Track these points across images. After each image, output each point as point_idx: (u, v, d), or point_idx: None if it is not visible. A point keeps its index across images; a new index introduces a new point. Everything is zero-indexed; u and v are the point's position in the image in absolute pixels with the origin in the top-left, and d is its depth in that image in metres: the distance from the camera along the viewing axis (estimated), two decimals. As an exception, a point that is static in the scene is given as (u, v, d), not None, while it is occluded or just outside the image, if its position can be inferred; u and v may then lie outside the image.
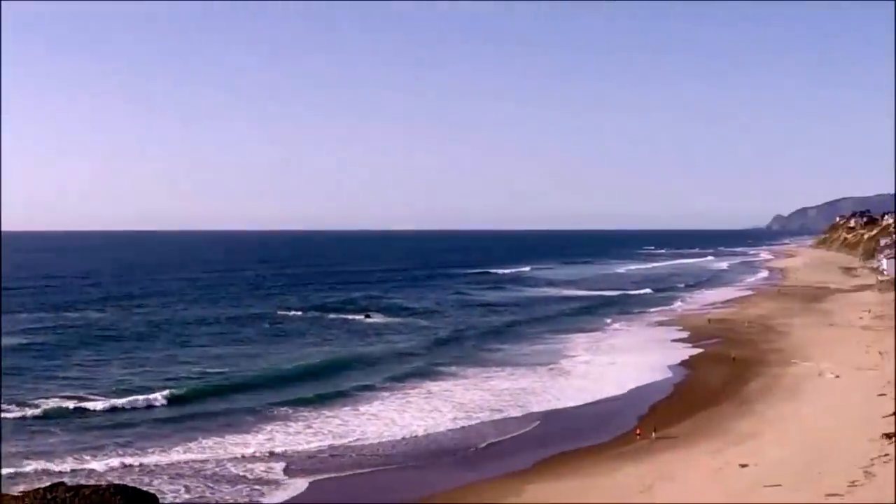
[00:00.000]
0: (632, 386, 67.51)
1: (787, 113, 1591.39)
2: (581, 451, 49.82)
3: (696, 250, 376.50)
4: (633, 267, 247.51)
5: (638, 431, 53.04)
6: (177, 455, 47.48)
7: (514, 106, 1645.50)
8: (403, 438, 52.18)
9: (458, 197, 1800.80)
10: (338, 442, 50.95)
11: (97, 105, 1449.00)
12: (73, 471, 43.42)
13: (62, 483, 25.19)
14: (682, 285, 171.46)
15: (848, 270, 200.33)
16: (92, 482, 33.81)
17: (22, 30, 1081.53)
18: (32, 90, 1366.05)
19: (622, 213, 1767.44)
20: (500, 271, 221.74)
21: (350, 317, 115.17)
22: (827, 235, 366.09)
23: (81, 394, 61.95)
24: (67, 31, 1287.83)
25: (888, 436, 47.01)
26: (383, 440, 51.74)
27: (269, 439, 51.30)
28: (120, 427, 54.06)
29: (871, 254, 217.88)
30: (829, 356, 75.28)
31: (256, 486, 42.68)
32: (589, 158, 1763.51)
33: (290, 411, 58.55)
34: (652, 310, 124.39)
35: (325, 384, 67.97)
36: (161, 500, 29.54)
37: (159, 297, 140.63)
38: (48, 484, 25.29)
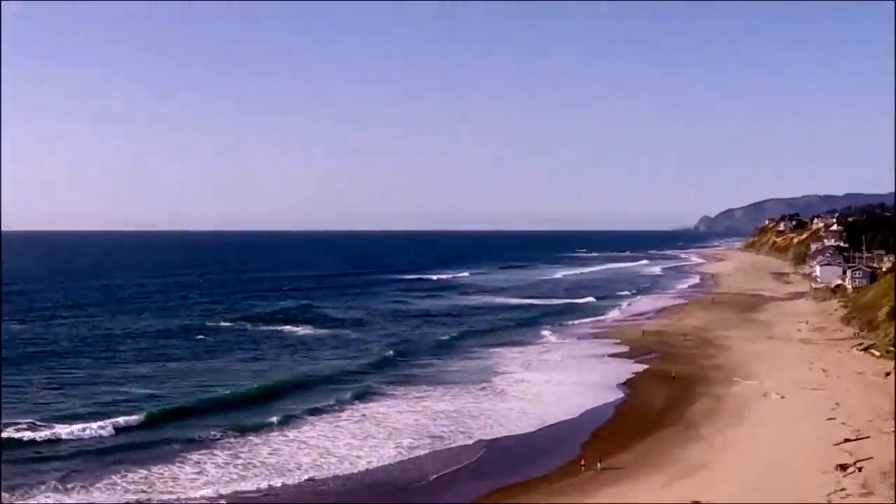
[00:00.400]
0: (573, 408, 64.97)
1: (713, 114, 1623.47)
2: (528, 484, 47.35)
3: (629, 253, 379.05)
4: (568, 272, 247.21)
5: (582, 462, 50.52)
6: (100, 495, 44.03)
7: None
8: (339, 476, 48.71)
9: (397, 197, 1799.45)
10: (273, 481, 47.31)
11: None
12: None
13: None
14: (620, 293, 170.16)
15: (780, 276, 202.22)
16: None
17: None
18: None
19: (554, 215, 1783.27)
20: (435, 277, 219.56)
21: (280, 328, 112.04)
22: (756, 238, 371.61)
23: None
24: None
25: (842, 467, 45.27)
26: (321, 474, 48.60)
27: (198, 473, 48.31)
28: (35, 462, 50.13)
29: (801, 259, 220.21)
30: (772, 374, 73.79)
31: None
32: (519, 159, 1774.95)
33: (219, 437, 55.70)
34: (587, 320, 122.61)
35: (254, 407, 65.08)
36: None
37: (79, 308, 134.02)
38: None
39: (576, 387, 72.49)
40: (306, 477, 48.04)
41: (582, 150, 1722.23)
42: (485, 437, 56.83)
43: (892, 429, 52.00)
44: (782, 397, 64.68)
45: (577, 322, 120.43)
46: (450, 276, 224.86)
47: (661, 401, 66.78)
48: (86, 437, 55.85)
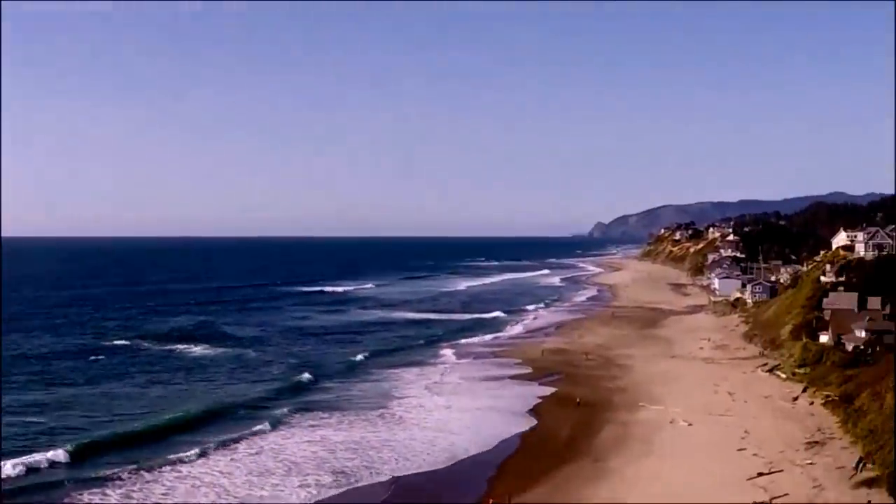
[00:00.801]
0: (483, 438, 62.13)
1: (608, 121, 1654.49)
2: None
3: (527, 262, 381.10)
4: (471, 283, 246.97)
5: (491, 501, 47.45)
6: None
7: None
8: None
9: (295, 202, 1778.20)
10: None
11: None
12: None
13: None
14: (521, 307, 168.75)
15: (678, 287, 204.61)
16: None
17: None
18: None
19: (451, 221, 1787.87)
20: (340, 289, 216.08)
21: (175, 347, 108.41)
22: (652, 247, 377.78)
23: None
24: None
25: (758, 506, 43.74)
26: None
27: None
28: None
29: (698, 269, 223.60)
30: (678, 398, 72.47)
31: None
32: (410, 166, 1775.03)
33: (108, 475, 52.00)
34: (487, 337, 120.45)
35: (146, 439, 61.71)
36: None
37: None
38: None
39: (479, 413, 69.96)
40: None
41: (483, 155, 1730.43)
42: (393, 474, 53.58)
43: (805, 461, 50.93)
44: (690, 424, 63.18)
45: (477, 339, 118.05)
46: (352, 287, 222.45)
47: (568, 429, 64.47)
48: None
